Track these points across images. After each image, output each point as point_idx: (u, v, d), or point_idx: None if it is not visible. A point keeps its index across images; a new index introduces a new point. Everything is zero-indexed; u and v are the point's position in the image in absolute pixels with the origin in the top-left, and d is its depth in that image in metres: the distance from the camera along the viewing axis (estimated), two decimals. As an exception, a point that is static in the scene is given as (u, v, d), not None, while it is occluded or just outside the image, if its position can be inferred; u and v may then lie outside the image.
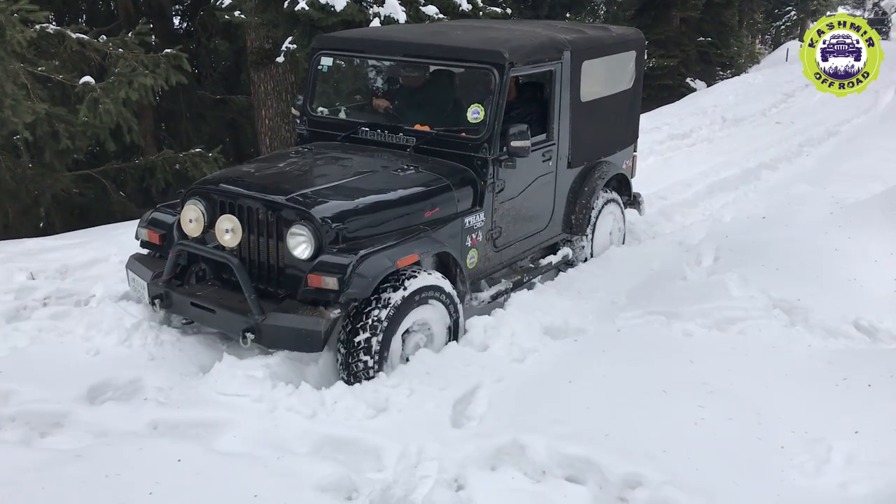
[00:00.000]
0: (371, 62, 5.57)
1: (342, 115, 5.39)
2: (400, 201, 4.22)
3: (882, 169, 7.94)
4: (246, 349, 3.89)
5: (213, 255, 4.03)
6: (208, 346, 4.23)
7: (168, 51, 8.28)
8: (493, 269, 4.95)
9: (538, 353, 4.19)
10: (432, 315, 4.13)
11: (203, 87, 12.85)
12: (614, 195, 5.95)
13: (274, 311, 3.80)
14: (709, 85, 20.83)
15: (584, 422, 3.40)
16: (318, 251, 3.79)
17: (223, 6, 9.55)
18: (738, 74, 22.51)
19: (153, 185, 9.20)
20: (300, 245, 3.83)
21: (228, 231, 3.92)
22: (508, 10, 19.25)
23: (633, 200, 6.35)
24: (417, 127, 4.79)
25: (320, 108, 5.37)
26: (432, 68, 5.12)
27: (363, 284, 3.69)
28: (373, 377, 3.80)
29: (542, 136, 5.07)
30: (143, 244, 4.47)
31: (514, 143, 4.46)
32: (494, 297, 4.85)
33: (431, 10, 9.60)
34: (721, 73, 24.24)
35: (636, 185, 6.50)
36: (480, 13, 10.33)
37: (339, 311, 3.77)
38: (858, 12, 62.11)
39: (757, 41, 47.08)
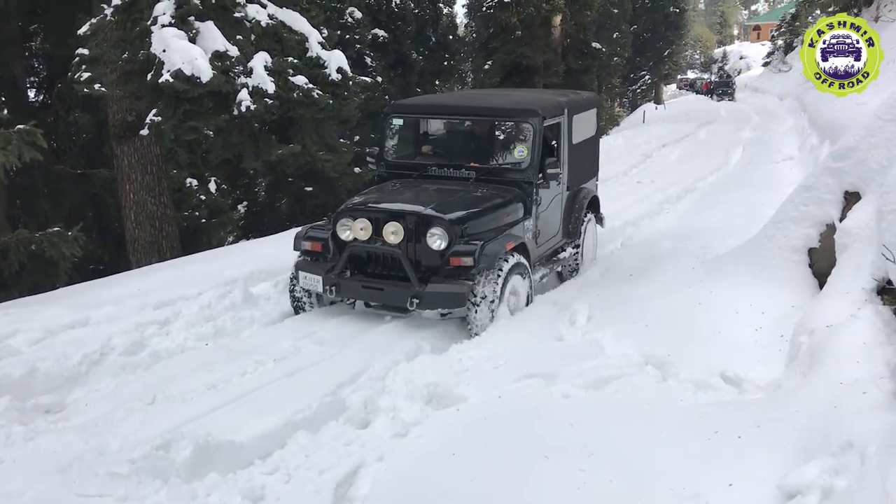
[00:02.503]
0: (432, 120, 7.39)
1: (414, 159, 7.03)
2: (491, 209, 6.02)
3: (736, 224, 8.41)
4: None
5: (384, 250, 5.70)
6: (66, 444, 3.91)
7: (21, 127, 7.85)
8: (535, 261, 6.67)
9: (420, 426, 4.12)
10: (520, 283, 5.95)
11: (62, 161, 12.26)
12: (590, 212, 7.81)
13: (432, 282, 5.55)
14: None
15: (469, 495, 3.34)
16: (449, 244, 5.58)
17: (82, 79, 9.22)
18: (600, 137, 23.59)
19: (6, 268, 8.59)
20: (437, 241, 5.60)
21: (393, 233, 5.63)
22: (379, 79, 19.51)
23: (598, 217, 8.18)
24: (474, 164, 6.57)
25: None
26: (486, 123, 6.98)
27: (488, 261, 5.52)
28: (492, 321, 5.54)
29: None
30: (304, 252, 6.08)
31: (549, 171, 6.36)
32: (542, 277, 6.91)
33: (301, 80, 9.62)
34: (584, 135, 25.36)
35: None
36: (350, 82, 10.43)
37: (472, 281, 5.50)
38: (706, 75, 67.05)
39: (616, 104, 49.85)
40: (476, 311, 5.50)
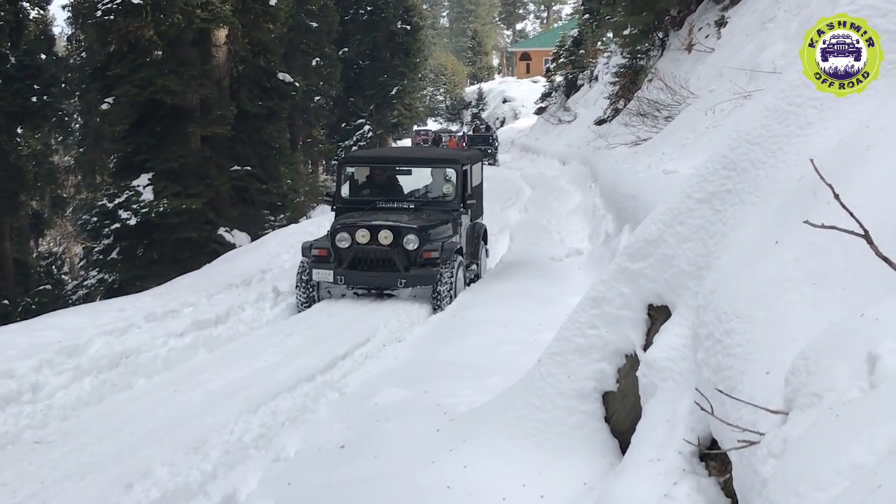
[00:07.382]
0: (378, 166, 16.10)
1: (361, 197, 15.40)
2: (439, 225, 14.27)
3: (500, 355, 8.77)
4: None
5: (380, 250, 13.46)
6: None
7: None
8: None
9: None
10: (461, 273, 14.27)
11: None
12: (482, 241, 16.52)
13: (412, 270, 13.51)
14: (254, 238, 21.88)
15: None
16: (419, 245, 13.58)
17: None
18: (297, 220, 23.93)
19: None
20: (411, 242, 13.55)
21: (386, 237, 13.53)
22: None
23: (485, 247, 16.85)
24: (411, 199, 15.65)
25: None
26: (421, 169, 16.29)
27: (448, 255, 13.73)
28: (450, 302, 13.20)
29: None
30: (314, 258, 13.56)
31: (468, 202, 14.96)
32: (466, 280, 15.01)
33: None
34: (272, 218, 25.70)
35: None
36: None
37: (437, 268, 13.53)
38: (455, 126, 71.37)
39: (320, 168, 51.26)
40: (441, 290, 12.98)
